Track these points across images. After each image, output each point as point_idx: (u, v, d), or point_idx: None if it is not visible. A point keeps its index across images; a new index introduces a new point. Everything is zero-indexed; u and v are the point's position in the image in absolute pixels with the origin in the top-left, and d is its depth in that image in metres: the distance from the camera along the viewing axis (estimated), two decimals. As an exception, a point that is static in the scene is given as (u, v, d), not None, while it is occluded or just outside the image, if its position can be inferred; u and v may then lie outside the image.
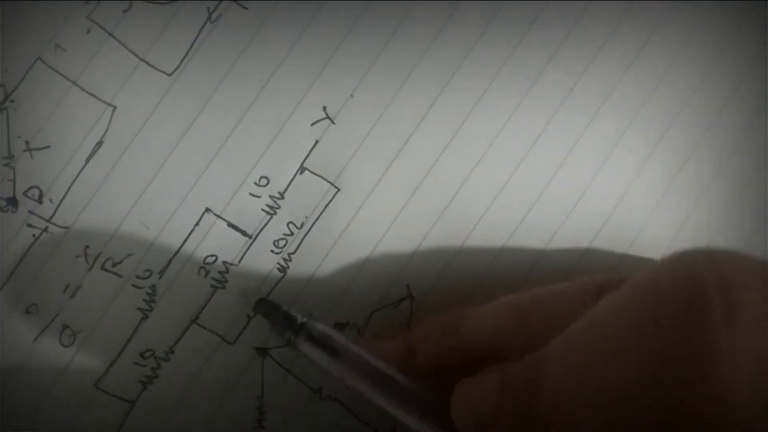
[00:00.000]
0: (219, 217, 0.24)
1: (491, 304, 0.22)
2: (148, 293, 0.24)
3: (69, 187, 0.23)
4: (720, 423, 0.14)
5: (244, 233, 0.24)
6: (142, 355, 0.24)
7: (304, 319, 0.22)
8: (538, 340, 0.18)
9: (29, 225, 0.23)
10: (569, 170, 0.25)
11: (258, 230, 0.24)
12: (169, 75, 0.23)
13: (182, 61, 0.23)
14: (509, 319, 0.21)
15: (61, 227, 0.23)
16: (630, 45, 0.25)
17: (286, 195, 0.24)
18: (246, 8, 0.23)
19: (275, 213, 0.24)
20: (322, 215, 0.24)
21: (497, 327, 0.21)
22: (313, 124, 0.24)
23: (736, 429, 0.14)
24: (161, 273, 0.24)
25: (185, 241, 0.24)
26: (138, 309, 0.24)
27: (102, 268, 0.23)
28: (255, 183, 0.24)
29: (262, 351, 0.24)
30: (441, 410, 0.20)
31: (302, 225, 0.24)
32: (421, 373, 0.22)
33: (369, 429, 0.24)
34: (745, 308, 0.15)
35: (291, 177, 0.24)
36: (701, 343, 0.14)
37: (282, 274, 0.24)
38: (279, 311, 0.22)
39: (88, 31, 0.23)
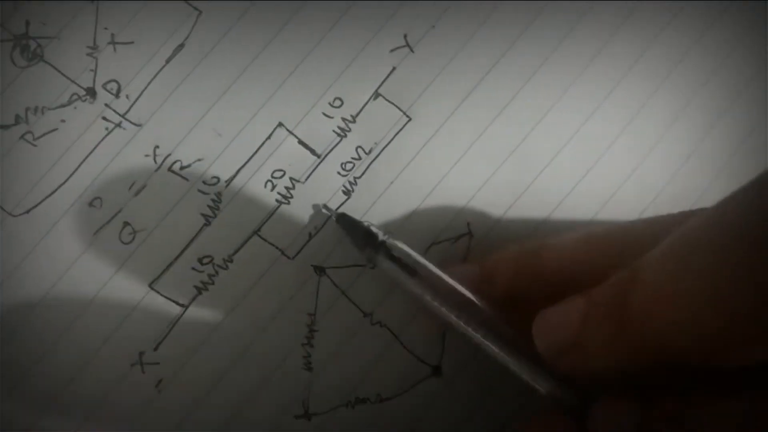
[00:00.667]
0: (291, 133, 0.24)
1: (569, 235, 0.22)
2: (213, 200, 0.24)
3: (146, 86, 0.23)
4: None
5: (313, 152, 0.24)
6: (200, 260, 0.24)
7: (386, 237, 0.22)
8: (616, 269, 0.18)
9: (104, 118, 0.23)
10: (639, 124, 0.26)
11: (327, 151, 0.24)
12: (258, -14, 0.23)
13: (272, -27, 0.23)
14: (588, 248, 0.21)
15: (134, 124, 0.23)
16: (635, 41, 0.26)
17: (357, 119, 0.24)
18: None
19: (345, 135, 0.24)
20: (392, 143, 0.24)
21: (577, 257, 0.21)
22: (393, 50, 0.24)
23: None
24: (228, 182, 0.24)
25: (255, 152, 0.24)
26: (201, 214, 0.24)
27: (169, 169, 0.23)
28: (329, 103, 0.24)
29: (320, 270, 0.24)
30: (521, 336, 0.20)
31: (371, 150, 0.24)
32: (498, 302, 0.22)
33: (415, 358, 0.24)
34: None
35: (365, 101, 0.24)
36: None
37: (346, 197, 0.24)
38: (361, 227, 0.23)
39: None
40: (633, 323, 0.17)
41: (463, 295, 0.21)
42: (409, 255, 0.22)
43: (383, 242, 0.22)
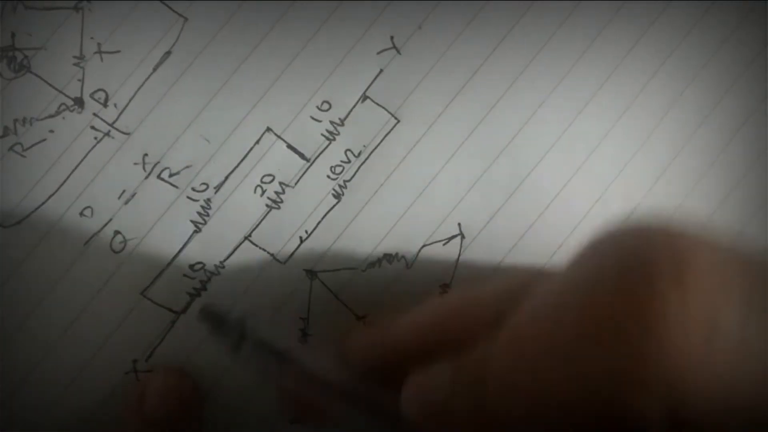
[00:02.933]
0: (279, 137, 0.24)
1: (419, 309, 0.22)
2: (202, 206, 0.24)
3: (134, 94, 0.23)
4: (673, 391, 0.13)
5: (302, 156, 0.24)
6: (192, 267, 0.24)
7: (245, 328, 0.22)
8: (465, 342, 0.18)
9: (92, 127, 0.23)
10: (625, 127, 0.26)
11: (316, 154, 0.24)
12: (243, -9, 0.23)
13: (257, -21, 0.23)
14: (440, 319, 0.21)
15: (123, 133, 0.23)
16: (621, 42, 0.26)
17: (346, 122, 0.24)
18: (324, -67, 0.24)
19: (334, 139, 0.24)
20: (381, 145, 0.24)
21: (428, 328, 0.21)
22: (380, 52, 0.24)
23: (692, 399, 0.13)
24: (218, 188, 0.24)
25: (244, 158, 0.24)
26: (191, 221, 0.24)
27: (159, 177, 0.23)
28: (317, 107, 0.24)
29: (312, 273, 0.24)
30: (388, 405, 0.19)
31: (360, 153, 0.24)
32: (361, 378, 0.21)
33: (410, 361, 0.24)
34: (695, 274, 0.14)
35: (353, 104, 0.24)
36: (650, 306, 0.14)
37: (336, 201, 0.24)
38: (223, 322, 0.22)
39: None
40: (490, 402, 0.16)
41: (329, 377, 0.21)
42: (272, 344, 0.21)
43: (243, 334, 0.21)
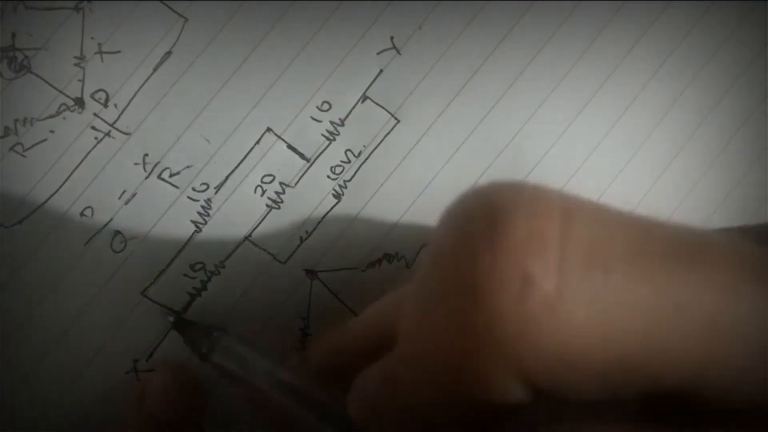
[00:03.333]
0: (279, 137, 0.24)
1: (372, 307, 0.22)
2: (203, 206, 0.24)
3: (134, 94, 0.23)
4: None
5: (302, 156, 0.24)
6: (192, 267, 0.24)
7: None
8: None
9: (93, 128, 0.23)
10: (625, 127, 0.26)
11: (316, 155, 0.24)
12: (244, -8, 0.23)
13: (257, -21, 0.23)
14: (375, 329, 0.21)
15: (123, 133, 0.23)
16: (621, 42, 0.26)
17: (346, 122, 0.24)
18: (324, -67, 0.24)
19: (334, 139, 0.24)
20: (380, 145, 0.24)
21: (374, 327, 0.21)
22: (379, 53, 0.24)
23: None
24: (218, 188, 0.24)
25: (244, 158, 0.24)
26: (191, 221, 0.24)
27: (159, 177, 0.23)
28: (317, 107, 0.24)
29: (312, 273, 0.24)
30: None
31: (360, 153, 0.24)
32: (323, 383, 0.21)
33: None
34: (507, 228, 0.12)
35: (353, 104, 0.24)
36: (466, 271, 0.12)
37: (336, 201, 0.24)
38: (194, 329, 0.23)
39: (169, -59, 0.23)
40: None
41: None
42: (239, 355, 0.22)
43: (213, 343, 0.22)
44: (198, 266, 0.24)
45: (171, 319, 0.23)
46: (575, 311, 0.12)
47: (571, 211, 0.13)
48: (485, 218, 0.12)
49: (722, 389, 0.12)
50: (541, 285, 0.12)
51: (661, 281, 0.12)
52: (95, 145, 0.23)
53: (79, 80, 0.23)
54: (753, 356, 0.12)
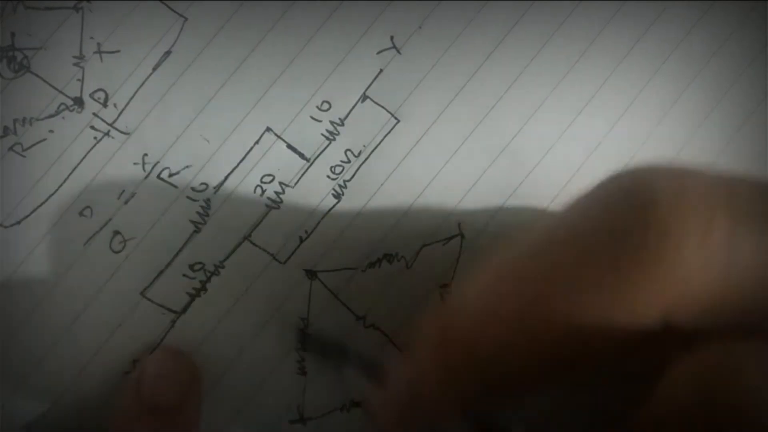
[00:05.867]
0: (279, 137, 0.24)
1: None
2: (202, 206, 0.24)
3: (134, 94, 0.23)
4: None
5: (302, 156, 0.24)
6: (191, 267, 0.24)
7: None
8: None
9: (92, 127, 0.23)
10: (625, 127, 0.26)
11: (316, 154, 0.24)
12: (243, -9, 0.23)
13: (257, -22, 0.23)
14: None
15: (123, 133, 0.23)
16: (621, 42, 0.26)
17: (346, 122, 0.24)
18: (324, -67, 0.24)
19: (334, 139, 0.24)
20: (380, 145, 0.24)
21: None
22: (379, 52, 0.24)
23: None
24: (217, 188, 0.24)
25: (244, 158, 0.24)
26: (191, 221, 0.24)
27: (158, 177, 0.23)
28: (317, 107, 0.24)
29: (312, 273, 0.24)
30: None
31: (360, 153, 0.24)
32: None
33: (410, 362, 0.24)
34: (690, 198, 0.14)
35: (352, 104, 0.24)
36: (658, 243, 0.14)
37: (336, 201, 0.24)
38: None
39: (169, -60, 0.23)
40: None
41: None
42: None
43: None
44: (197, 266, 0.24)
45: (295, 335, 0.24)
46: (722, 259, 0.14)
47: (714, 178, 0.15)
48: (643, 193, 0.14)
49: None
50: (714, 235, 0.14)
51: None
52: (94, 145, 0.23)
53: (79, 80, 0.23)
54: None
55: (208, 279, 0.24)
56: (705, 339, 0.14)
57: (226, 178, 0.24)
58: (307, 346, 0.24)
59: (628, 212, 0.14)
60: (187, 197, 0.24)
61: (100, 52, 0.23)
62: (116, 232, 0.23)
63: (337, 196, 0.24)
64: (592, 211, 0.15)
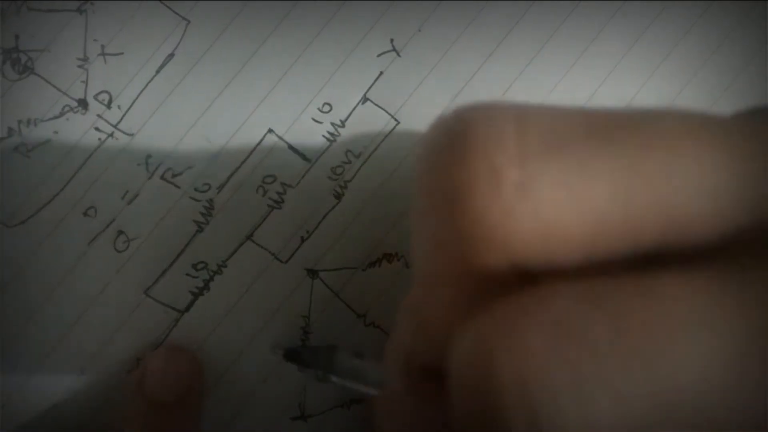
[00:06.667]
0: (281, 138, 0.24)
1: None
2: (205, 207, 0.24)
3: (137, 96, 0.24)
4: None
5: (303, 157, 0.24)
6: (194, 266, 0.24)
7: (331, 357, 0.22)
8: None
9: (96, 128, 0.23)
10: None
11: (317, 155, 0.24)
12: (245, -6, 0.24)
13: (259, -19, 0.24)
14: None
15: (126, 134, 0.24)
16: (621, 41, 0.26)
17: (347, 123, 0.25)
18: (325, -65, 0.24)
19: (335, 140, 0.25)
20: (381, 146, 0.25)
21: None
22: (380, 55, 0.24)
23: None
24: (220, 188, 0.24)
25: (246, 158, 0.24)
26: (194, 221, 0.24)
27: (161, 177, 0.24)
28: (318, 109, 0.24)
29: (313, 272, 0.24)
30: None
31: (360, 154, 0.25)
32: None
33: (410, 360, 0.25)
34: (469, 134, 0.13)
35: (353, 106, 0.24)
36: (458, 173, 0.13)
37: (337, 201, 0.25)
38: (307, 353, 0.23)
39: (171, -57, 0.23)
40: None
41: None
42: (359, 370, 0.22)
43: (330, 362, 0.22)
44: (200, 265, 0.24)
45: (280, 352, 0.24)
46: (544, 189, 0.12)
47: (525, 109, 0.14)
48: (451, 133, 0.13)
49: (696, 237, 0.13)
50: (508, 174, 0.13)
51: (618, 147, 0.13)
52: (98, 146, 0.23)
53: (83, 81, 0.23)
54: (714, 199, 0.13)
55: (211, 278, 0.24)
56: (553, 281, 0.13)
57: (228, 178, 0.24)
58: (291, 361, 0.24)
59: (445, 147, 0.13)
60: (190, 197, 0.24)
61: (103, 54, 0.23)
62: (120, 232, 0.24)
63: (338, 197, 0.25)
64: (417, 172, 0.14)
